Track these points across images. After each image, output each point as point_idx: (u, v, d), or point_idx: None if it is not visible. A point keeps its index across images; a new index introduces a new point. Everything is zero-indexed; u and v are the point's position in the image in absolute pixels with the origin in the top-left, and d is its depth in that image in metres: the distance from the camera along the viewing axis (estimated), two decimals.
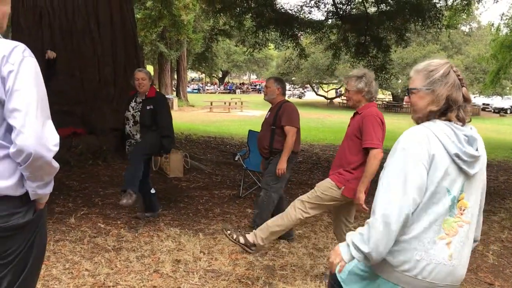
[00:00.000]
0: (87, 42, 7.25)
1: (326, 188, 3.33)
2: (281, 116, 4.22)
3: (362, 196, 3.20)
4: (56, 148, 1.68)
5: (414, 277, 1.70)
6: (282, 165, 4.18)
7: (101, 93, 7.37)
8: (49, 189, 1.77)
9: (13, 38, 7.66)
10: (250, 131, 6.64)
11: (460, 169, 1.68)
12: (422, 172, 1.64)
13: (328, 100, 42.18)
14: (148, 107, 4.48)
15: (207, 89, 53.10)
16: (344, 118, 24.89)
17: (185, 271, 3.55)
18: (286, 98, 4.54)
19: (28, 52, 1.63)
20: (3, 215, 1.63)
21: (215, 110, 26.41)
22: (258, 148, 4.47)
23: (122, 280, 3.32)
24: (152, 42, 24.68)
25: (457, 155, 1.66)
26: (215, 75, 57.34)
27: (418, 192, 1.64)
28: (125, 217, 4.81)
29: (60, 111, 6.93)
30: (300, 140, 4.41)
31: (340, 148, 3.43)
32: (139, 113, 4.51)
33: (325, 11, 11.16)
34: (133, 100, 4.63)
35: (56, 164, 1.72)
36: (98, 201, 5.30)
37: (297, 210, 3.40)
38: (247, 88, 59.67)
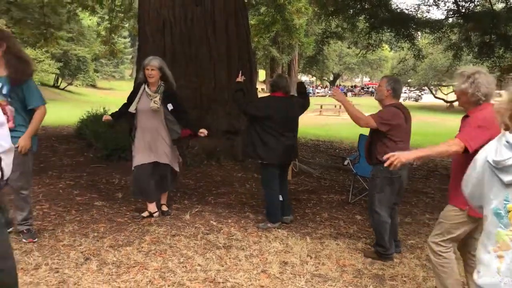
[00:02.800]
0: (204, 48, 7.64)
1: (451, 216, 2.95)
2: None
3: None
4: None
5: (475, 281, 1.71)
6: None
7: (216, 97, 7.71)
8: None
9: (139, 46, 8.36)
10: (361, 135, 6.48)
11: (496, 176, 1.61)
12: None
13: (448, 104, 39.60)
14: None
15: (317, 92, 52.94)
16: None
17: (292, 274, 3.58)
18: (401, 101, 4.26)
19: None
20: None
21: (325, 113, 26.23)
22: (365, 155, 4.25)
23: (231, 277, 3.44)
24: (265, 47, 25.30)
25: (492, 162, 1.64)
26: (326, 78, 56.99)
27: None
28: (236, 216, 4.98)
29: None
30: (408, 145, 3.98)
31: (454, 163, 3.00)
32: None
33: (445, 10, 10.53)
34: None
35: None
36: (211, 200, 5.55)
37: (438, 256, 3.01)
38: (359, 90, 58.34)
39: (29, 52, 24.97)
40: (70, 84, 33.26)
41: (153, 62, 4.57)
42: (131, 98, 4.70)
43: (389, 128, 3.81)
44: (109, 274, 3.38)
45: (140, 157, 4.61)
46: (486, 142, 2.66)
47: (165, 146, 4.65)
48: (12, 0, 21.22)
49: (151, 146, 4.61)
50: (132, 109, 4.59)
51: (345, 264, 3.84)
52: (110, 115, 4.78)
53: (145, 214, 4.77)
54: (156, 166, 4.68)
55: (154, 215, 4.75)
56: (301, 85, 5.16)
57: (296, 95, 5.05)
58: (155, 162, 4.65)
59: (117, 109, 4.88)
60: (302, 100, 4.93)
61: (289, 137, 4.65)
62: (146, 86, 4.62)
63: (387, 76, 4.18)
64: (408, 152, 2.89)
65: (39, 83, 27.14)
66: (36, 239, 3.95)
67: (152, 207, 4.79)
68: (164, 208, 4.92)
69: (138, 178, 4.65)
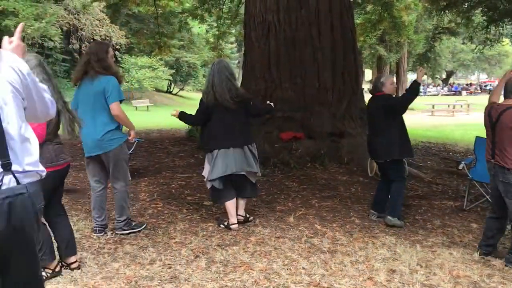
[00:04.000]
0: (309, 50, 7.63)
1: None
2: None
3: None
4: None
5: None
6: None
7: (320, 99, 7.65)
8: None
9: (245, 50, 8.59)
10: (477, 137, 6.01)
11: None
12: None
13: None
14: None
15: (428, 91, 50.20)
16: None
17: (400, 282, 3.41)
18: None
19: None
20: None
21: (436, 113, 24.79)
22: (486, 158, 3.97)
23: (336, 282, 3.37)
24: (371, 46, 24.56)
25: None
26: (438, 76, 53.88)
27: None
28: (341, 220, 4.89)
29: (282, 117, 7.48)
30: None
31: None
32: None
33: None
34: None
35: None
36: (315, 203, 5.51)
37: None
38: (475, 89, 54.23)
39: (145, 60, 27.00)
40: (182, 89, 35.27)
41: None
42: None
43: None
44: (217, 273, 3.50)
45: (222, 165, 4.41)
46: None
47: (246, 154, 4.52)
48: (131, 13, 23.03)
49: (231, 155, 4.44)
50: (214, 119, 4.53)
51: (459, 275, 3.57)
52: (180, 112, 4.71)
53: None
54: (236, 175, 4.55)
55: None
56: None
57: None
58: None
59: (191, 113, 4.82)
60: None
61: None
62: None
63: None
64: None
65: (154, 89, 29.19)
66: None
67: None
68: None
69: (219, 187, 4.50)
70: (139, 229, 4.34)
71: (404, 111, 4.77)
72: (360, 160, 7.02)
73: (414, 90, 4.68)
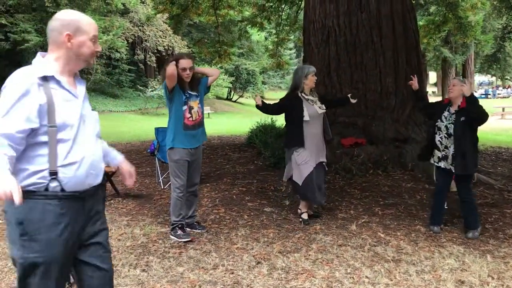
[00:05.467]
0: (370, 54, 7.49)
1: None
2: None
3: None
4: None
5: None
6: None
7: (382, 104, 7.48)
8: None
9: (304, 56, 8.57)
10: None
11: None
12: None
13: None
14: (461, 119, 4.42)
15: (498, 94, 47.65)
16: None
17: None
18: None
19: (15, 76, 1.94)
20: None
21: (507, 116, 23.47)
22: None
23: None
24: (436, 48, 23.75)
25: None
26: (508, 77, 51.04)
27: None
28: (405, 229, 4.74)
29: (344, 123, 7.38)
30: None
31: None
32: (452, 125, 4.50)
33: None
34: (447, 110, 4.64)
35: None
36: (378, 211, 5.38)
37: None
38: None
39: None
40: (241, 96, 35.73)
41: (314, 69, 4.91)
42: (289, 107, 4.89)
43: None
44: (279, 279, 3.51)
45: (313, 161, 4.81)
46: None
47: (324, 148, 4.99)
48: (192, 23, 23.68)
49: (319, 150, 4.87)
50: (306, 117, 4.75)
51: None
52: (262, 102, 4.96)
53: (305, 216, 4.95)
54: (320, 169, 4.92)
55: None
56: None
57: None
58: (319, 165, 4.89)
59: (270, 104, 5.12)
60: None
61: None
62: (302, 93, 4.84)
63: None
64: None
65: (214, 97, 29.77)
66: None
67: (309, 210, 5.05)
68: (305, 216, 5.02)
69: (313, 183, 4.82)
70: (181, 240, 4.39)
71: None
72: (425, 166, 6.77)
73: None
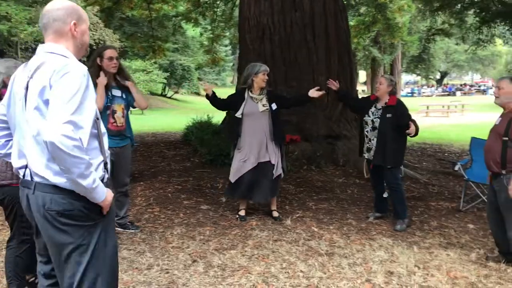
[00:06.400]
0: (303, 52, 7.63)
1: None
2: None
3: None
4: (68, 140, 1.79)
5: None
6: None
7: (316, 101, 7.62)
8: (85, 183, 1.88)
9: (240, 53, 8.59)
10: (473, 138, 6.04)
11: None
12: None
13: None
14: (387, 115, 4.66)
15: (423, 92, 50.40)
16: None
17: (398, 284, 3.41)
18: None
19: (74, 69, 1.89)
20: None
21: (431, 114, 24.85)
22: (485, 161, 3.89)
23: (334, 285, 3.37)
24: (365, 48, 24.67)
25: None
26: (432, 77, 54.15)
27: None
28: (337, 223, 4.89)
29: None
30: None
31: None
32: (378, 119, 4.73)
33: None
34: (373, 106, 4.86)
35: (77, 154, 1.81)
36: (312, 206, 5.51)
37: None
38: (470, 89, 54.50)
39: (139, 63, 26.95)
40: (176, 92, 35.22)
41: (267, 68, 4.82)
42: (233, 101, 4.87)
43: None
44: (215, 277, 3.49)
45: (250, 161, 4.76)
46: None
47: (273, 147, 4.83)
48: (125, 17, 23.00)
49: (262, 149, 4.78)
50: (238, 114, 4.74)
51: (457, 276, 3.58)
52: (213, 93, 4.84)
53: (243, 213, 4.96)
54: (264, 168, 4.82)
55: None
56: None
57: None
58: (262, 163, 4.80)
59: (219, 98, 4.99)
60: None
61: None
62: (249, 91, 4.78)
63: (508, 76, 3.86)
64: None
65: (148, 93, 29.13)
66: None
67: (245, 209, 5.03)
68: (275, 214, 5.00)
69: (248, 180, 4.82)
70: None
71: None
72: (355, 162, 7.03)
73: None
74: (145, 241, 4.25)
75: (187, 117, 10.80)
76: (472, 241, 4.47)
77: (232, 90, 6.45)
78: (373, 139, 4.83)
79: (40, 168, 1.95)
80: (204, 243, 4.21)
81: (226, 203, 5.53)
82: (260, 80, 4.74)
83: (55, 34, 2.00)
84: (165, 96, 34.79)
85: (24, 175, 2.04)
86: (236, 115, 4.77)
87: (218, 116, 9.81)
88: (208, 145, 7.69)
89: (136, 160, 7.94)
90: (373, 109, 4.87)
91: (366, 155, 4.96)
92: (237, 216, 4.95)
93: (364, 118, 4.91)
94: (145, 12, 13.48)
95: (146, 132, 12.98)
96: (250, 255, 3.93)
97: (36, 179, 1.97)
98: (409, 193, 6.21)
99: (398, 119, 4.63)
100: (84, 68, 1.93)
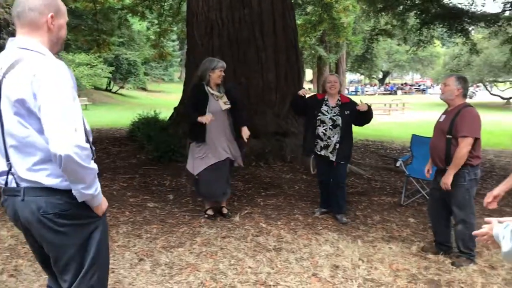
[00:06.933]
0: (252, 50, 7.66)
1: None
2: (458, 124, 3.73)
3: None
4: (82, 151, 1.76)
5: None
6: (447, 179, 3.79)
7: (264, 99, 7.71)
8: (91, 192, 1.87)
9: (188, 49, 8.50)
10: (413, 135, 6.30)
11: None
12: None
13: (505, 100, 37.86)
14: (346, 112, 4.80)
15: (366, 91, 51.99)
16: None
17: (343, 278, 3.51)
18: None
19: (56, 69, 1.78)
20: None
21: (374, 112, 25.53)
22: (431, 157, 4.06)
23: (282, 280, 3.42)
24: (311, 47, 25.09)
25: None
26: (374, 76, 55.94)
27: None
28: (285, 218, 4.96)
29: None
30: (480, 151, 3.87)
31: None
32: (339, 117, 4.80)
33: (501, 3, 10.08)
34: (324, 104, 4.91)
35: (89, 165, 1.80)
36: (260, 202, 5.55)
37: None
38: (410, 88, 56.81)
39: (82, 57, 26.02)
40: (122, 87, 34.33)
41: (224, 64, 4.73)
42: (198, 101, 4.67)
43: None
44: (162, 275, 3.45)
45: (210, 157, 4.66)
46: None
47: (232, 144, 4.79)
48: (68, 8, 22.17)
49: (220, 146, 4.69)
50: (208, 114, 4.57)
51: (399, 269, 3.73)
52: (196, 118, 4.60)
53: (211, 212, 4.90)
54: (224, 165, 4.76)
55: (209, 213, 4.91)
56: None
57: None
58: (223, 162, 4.72)
59: (189, 111, 4.82)
60: None
61: None
62: (209, 88, 4.66)
63: (454, 74, 4.06)
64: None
65: (92, 87, 28.21)
66: None
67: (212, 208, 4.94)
68: (225, 210, 4.99)
69: (208, 179, 4.70)
70: None
71: None
72: (303, 159, 7.16)
73: None
74: None
75: (133, 113, 10.56)
76: (413, 234, 4.67)
77: (180, 86, 6.37)
78: (332, 137, 4.82)
79: (27, 172, 1.84)
80: (151, 241, 4.14)
81: (173, 200, 5.47)
82: (216, 76, 4.65)
83: (30, 26, 1.85)
84: (110, 91, 33.83)
85: (6, 183, 1.90)
86: (206, 115, 4.55)
87: (165, 112, 9.67)
88: (155, 142, 7.56)
89: None
90: (325, 107, 4.87)
91: (322, 153, 4.88)
92: (206, 215, 4.86)
93: (319, 117, 4.85)
94: (89, 5, 13.03)
95: (90, 127, 12.53)
96: (198, 253, 3.91)
97: (23, 184, 1.86)
98: (353, 189, 6.39)
99: (353, 116, 4.84)
100: (62, 65, 1.81)
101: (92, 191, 1.86)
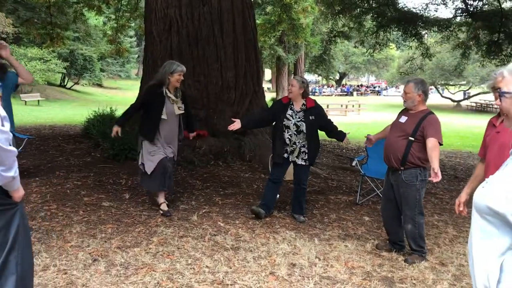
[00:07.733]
0: (211, 48, 7.61)
1: None
2: (425, 128, 3.80)
3: None
4: (1, 134, 1.90)
5: None
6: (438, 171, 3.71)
7: (223, 97, 7.68)
8: (11, 174, 2.02)
9: (146, 45, 8.35)
10: (368, 136, 6.43)
11: None
12: None
13: (455, 103, 39.46)
14: (311, 117, 4.82)
15: (323, 92, 52.82)
16: (472, 122, 23.03)
17: (300, 276, 3.55)
18: None
19: None
20: None
21: (331, 112, 26.16)
22: (386, 155, 4.08)
23: (239, 279, 3.42)
24: (271, 47, 25.25)
25: None
26: (332, 77, 56.87)
27: None
28: (243, 217, 4.96)
29: None
30: None
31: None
32: (303, 123, 4.80)
33: (453, 8, 10.50)
34: (289, 108, 4.89)
35: (8, 148, 1.93)
36: (218, 201, 5.53)
37: None
38: (365, 90, 58.17)
39: (35, 51, 25.09)
40: (77, 83, 33.40)
41: (184, 68, 4.81)
42: (150, 101, 4.77)
43: None
44: (117, 276, 3.37)
45: (162, 153, 4.78)
46: None
47: (176, 144, 4.99)
48: (19, 0, 21.32)
49: (170, 146, 4.88)
50: (163, 115, 4.70)
51: (354, 266, 3.81)
52: (116, 123, 4.89)
53: (165, 207, 4.91)
54: (169, 161, 4.91)
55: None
56: None
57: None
58: (170, 158, 4.90)
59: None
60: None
61: None
62: (167, 91, 4.75)
63: (412, 80, 4.02)
64: None
65: (45, 83, 27.27)
66: None
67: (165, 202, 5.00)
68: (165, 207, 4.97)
69: (163, 171, 4.78)
70: None
71: None
72: (261, 158, 7.19)
73: None
74: (41, 240, 3.99)
75: (88, 110, 10.28)
76: (368, 232, 4.78)
77: (137, 83, 6.27)
78: (298, 142, 4.83)
79: None
80: (105, 241, 4.04)
81: (129, 199, 5.36)
82: (175, 79, 4.72)
83: None
84: (64, 87, 32.82)
85: None
86: (162, 117, 4.69)
87: (122, 109, 9.47)
88: (110, 139, 7.38)
89: (31, 154, 7.41)
90: (290, 112, 4.85)
91: (290, 158, 4.88)
92: (161, 211, 4.85)
93: (284, 123, 4.83)
94: None
95: (43, 124, 12.15)
96: (155, 252, 3.85)
97: None
98: (310, 188, 6.47)
99: (320, 120, 4.91)
100: None
101: (12, 173, 2.02)
